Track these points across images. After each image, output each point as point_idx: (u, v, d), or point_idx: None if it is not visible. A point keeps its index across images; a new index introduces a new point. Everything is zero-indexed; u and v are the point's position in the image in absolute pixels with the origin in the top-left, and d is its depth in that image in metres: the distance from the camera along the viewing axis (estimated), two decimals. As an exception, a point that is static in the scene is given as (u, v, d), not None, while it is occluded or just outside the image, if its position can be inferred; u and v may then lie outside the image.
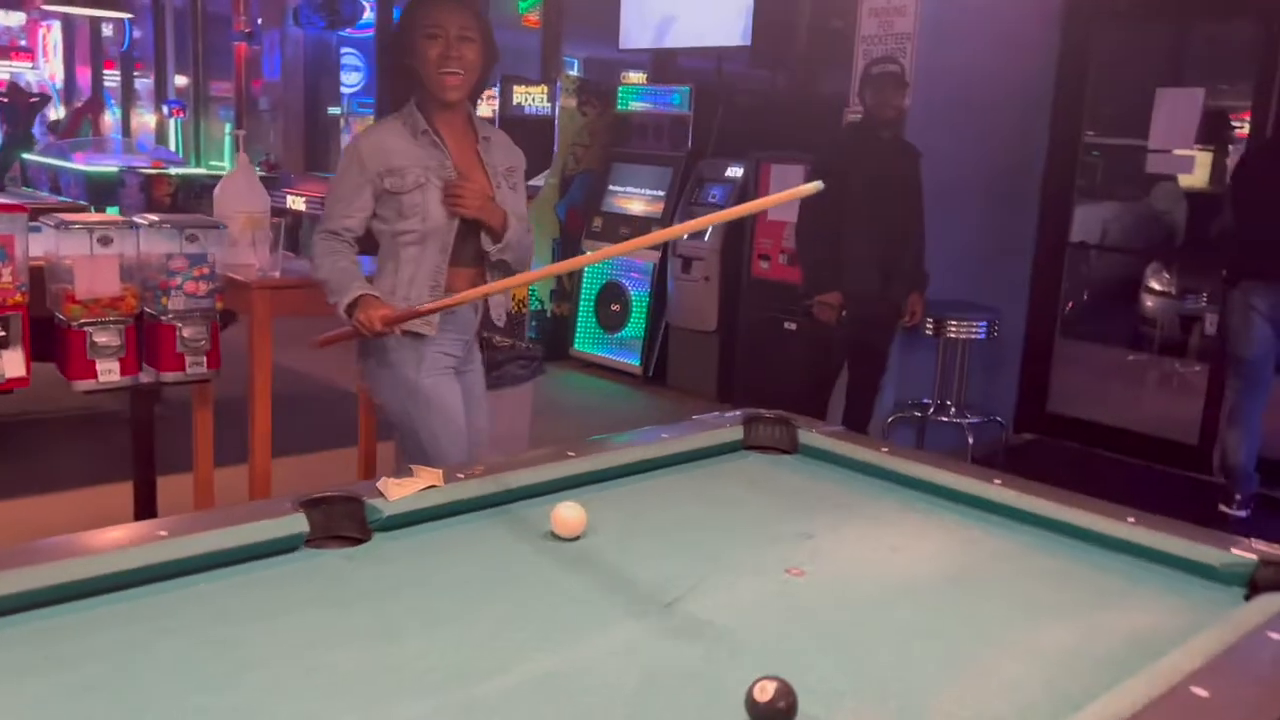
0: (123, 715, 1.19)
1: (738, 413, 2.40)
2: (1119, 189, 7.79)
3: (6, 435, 4.55)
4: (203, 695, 1.25)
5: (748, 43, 6.52)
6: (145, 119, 15.88)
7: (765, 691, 1.21)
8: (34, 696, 1.23)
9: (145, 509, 3.07)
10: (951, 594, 1.65)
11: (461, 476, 1.90)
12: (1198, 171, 5.88)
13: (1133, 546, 1.79)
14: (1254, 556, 1.68)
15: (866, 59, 4.73)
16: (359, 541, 1.71)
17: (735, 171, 6.17)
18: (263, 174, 9.20)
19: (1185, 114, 5.12)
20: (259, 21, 12.27)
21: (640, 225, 6.31)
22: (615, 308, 6.71)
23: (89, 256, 2.77)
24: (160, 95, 14.98)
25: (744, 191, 6.00)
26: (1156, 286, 8.14)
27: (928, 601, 1.62)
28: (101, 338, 2.81)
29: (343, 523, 1.72)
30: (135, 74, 16.15)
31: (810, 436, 2.32)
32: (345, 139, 12.16)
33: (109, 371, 2.84)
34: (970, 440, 4.95)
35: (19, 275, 2.67)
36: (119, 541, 1.53)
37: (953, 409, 5.10)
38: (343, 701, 1.25)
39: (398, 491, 1.78)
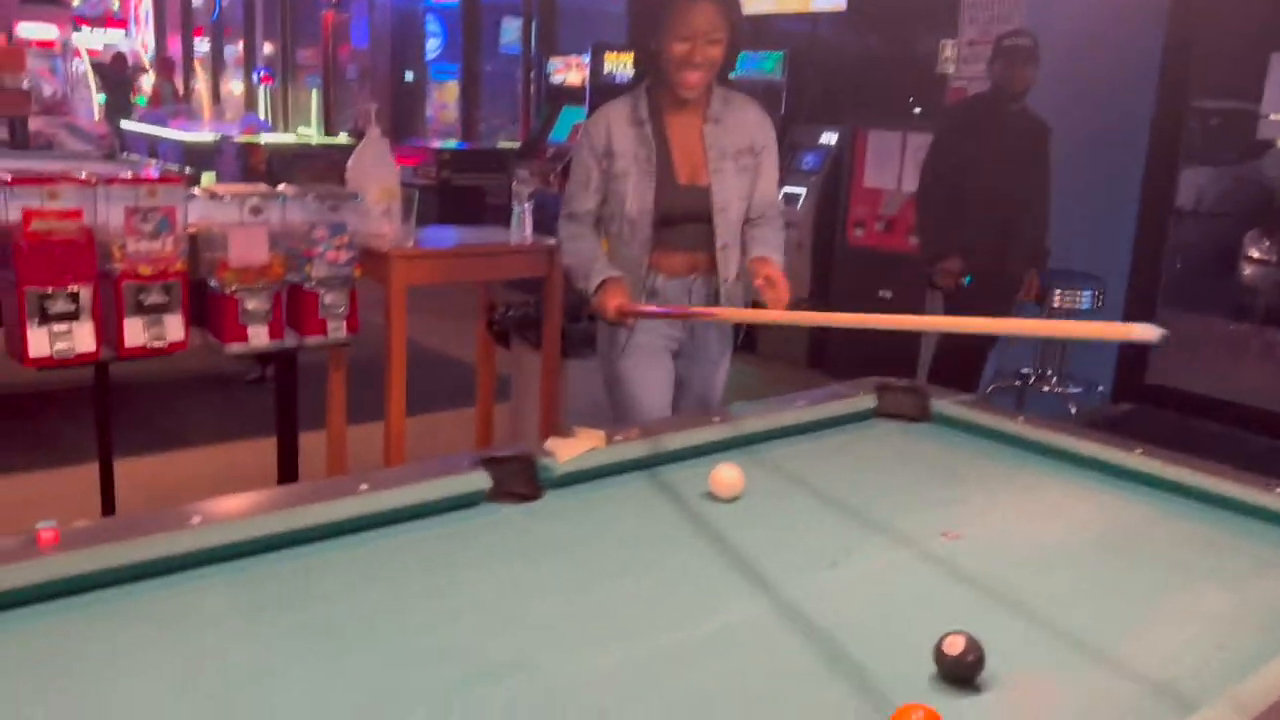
0: (359, 653, 1.32)
1: (869, 380, 2.47)
2: (1221, 154, 7.61)
3: (137, 395, 4.80)
4: (422, 637, 1.37)
5: (843, 6, 6.48)
6: (234, 86, 16.27)
7: (955, 645, 1.28)
8: (272, 632, 1.36)
9: (288, 464, 3.24)
10: (1106, 559, 1.71)
11: (620, 439, 2.00)
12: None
13: (1276, 515, 1.82)
14: None
15: (973, 24, 4.69)
16: (529, 498, 1.83)
17: (829, 138, 6.16)
18: (351, 142, 9.42)
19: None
20: (347, -10, 12.46)
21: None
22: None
23: (241, 225, 2.92)
24: (249, 63, 15.32)
25: (839, 158, 5.99)
26: (1256, 254, 7.95)
27: (1085, 566, 1.68)
28: (252, 303, 2.96)
29: (516, 480, 1.84)
30: (224, 40, 16.53)
31: (943, 405, 2.37)
32: (430, 106, 12.35)
33: (258, 335, 2.99)
34: (1072, 410, 4.94)
35: (179, 244, 2.83)
36: (325, 494, 1.66)
37: (1054, 378, 5.08)
38: (546, 646, 1.36)
39: (566, 451, 1.89)
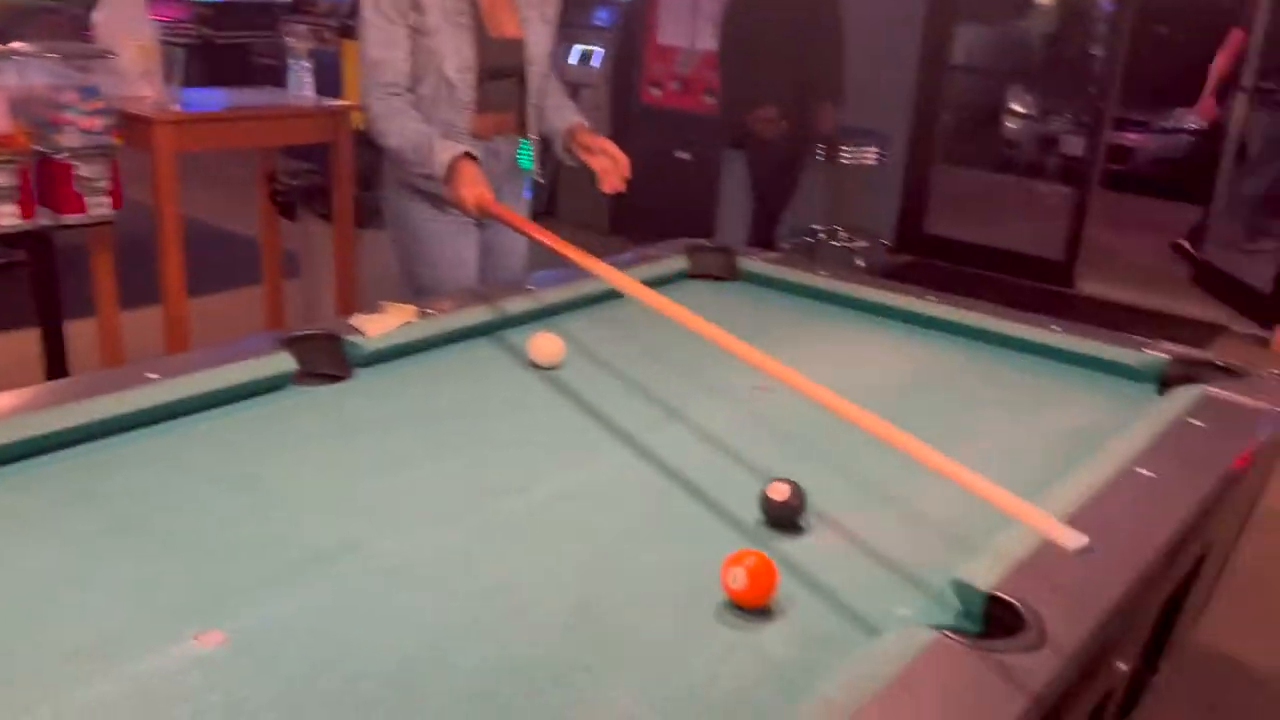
0: (174, 548, 1.22)
1: (680, 242, 2.47)
2: (991, 10, 7.94)
3: None
4: (241, 528, 1.28)
5: None
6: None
7: (780, 491, 1.33)
8: (78, 532, 1.25)
9: (55, 358, 2.95)
10: (908, 401, 1.80)
11: (431, 312, 1.92)
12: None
13: (1059, 351, 1.98)
14: (1165, 355, 1.89)
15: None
16: (339, 378, 1.73)
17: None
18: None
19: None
20: None
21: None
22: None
23: (-31, 90, 2.55)
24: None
25: (632, 14, 5.86)
26: (1019, 109, 8.45)
27: (888, 407, 1.76)
28: (-3, 179, 2.62)
29: (323, 360, 1.74)
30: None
31: (750, 263, 2.41)
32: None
33: (7, 215, 2.67)
34: (860, 263, 5.17)
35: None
36: (113, 385, 1.51)
37: (841, 233, 5.29)
38: (375, 527, 1.31)
39: (376, 327, 1.80)
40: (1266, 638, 2.62)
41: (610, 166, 2.39)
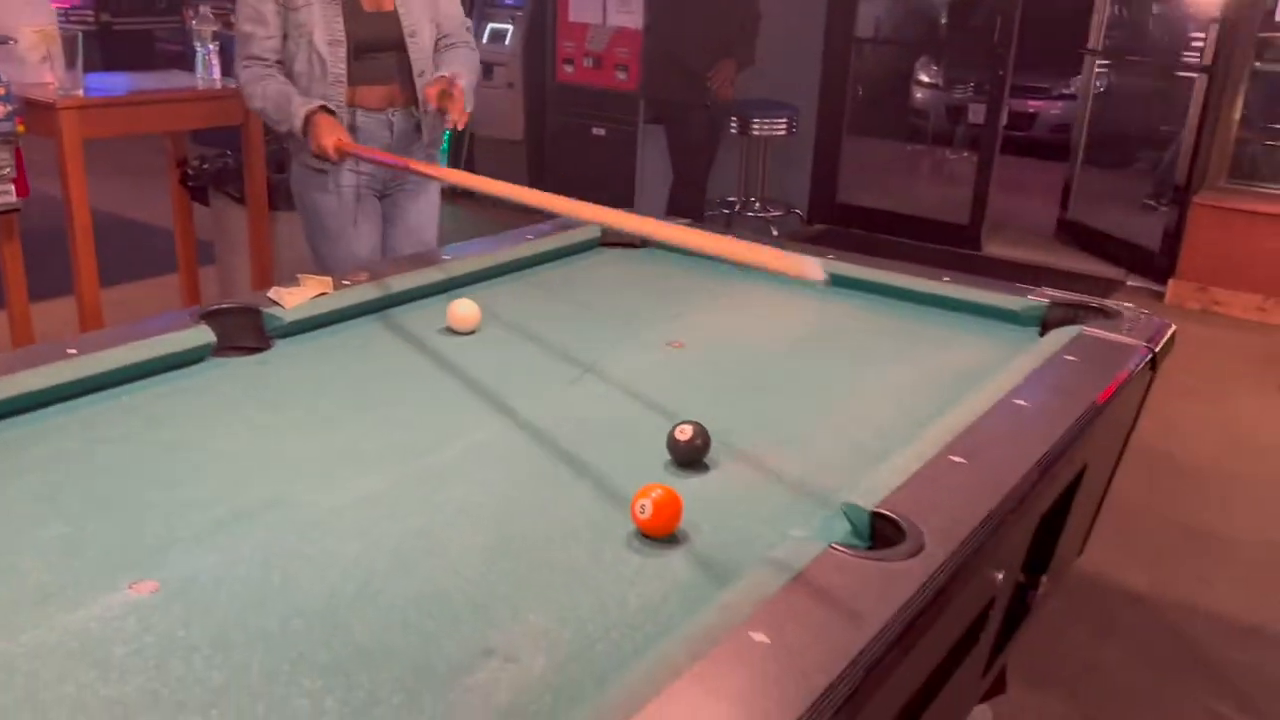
0: (100, 512, 1.27)
1: (590, 210, 2.54)
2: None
3: None
4: (165, 491, 1.33)
5: None
6: None
7: (685, 432, 1.42)
8: (2, 500, 1.28)
9: (-34, 350, 2.92)
10: (809, 352, 1.91)
11: (348, 283, 1.97)
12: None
13: (949, 300, 2.10)
14: (1046, 300, 2.02)
15: None
16: (259, 350, 1.77)
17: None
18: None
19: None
20: None
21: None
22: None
23: None
24: None
25: (542, -9, 5.88)
26: (925, 79, 8.67)
27: (791, 360, 1.87)
28: (-107, 169, 2.59)
29: (243, 332, 1.77)
30: None
31: (660, 228, 2.49)
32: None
33: (-93, 205, 2.63)
34: (774, 233, 5.30)
35: None
36: (30, 361, 1.53)
37: (756, 204, 5.42)
38: (298, 483, 1.36)
39: (293, 299, 1.84)
40: (1145, 562, 2.81)
41: (442, 99, 2.43)
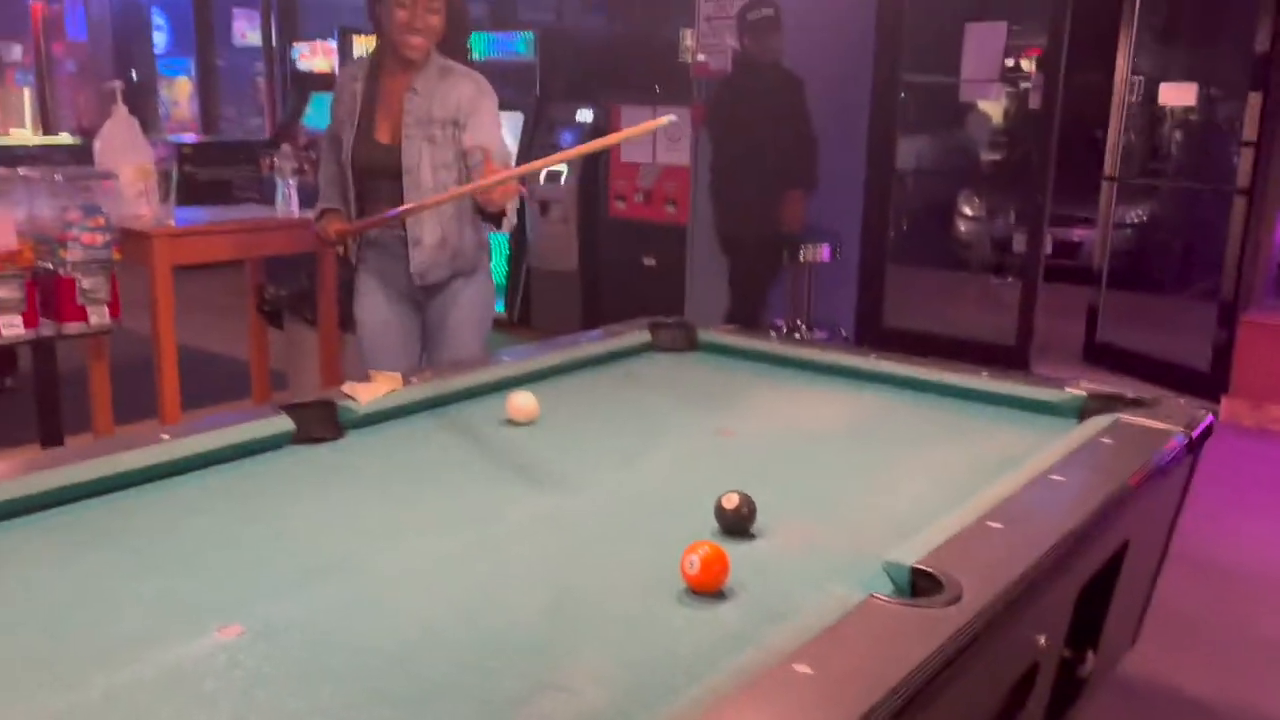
0: (187, 570, 1.37)
1: (641, 320, 2.68)
2: (931, 122, 8.46)
3: None
4: (249, 553, 1.43)
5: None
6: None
7: (731, 500, 1.49)
8: (103, 561, 1.39)
9: (54, 462, 3.09)
10: (855, 438, 1.99)
11: (414, 381, 2.10)
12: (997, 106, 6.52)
13: (989, 394, 2.17)
14: (1083, 393, 2.09)
15: (712, 5, 5.04)
16: (333, 439, 1.89)
17: (585, 115, 6.38)
18: (75, 141, 8.79)
19: (991, 45, 5.69)
20: (56, -21, 11.52)
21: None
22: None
23: (-20, 211, 2.77)
24: (-57, 60, 13.82)
25: (596, 134, 6.22)
26: (969, 212, 8.89)
27: (837, 445, 1.95)
28: (2, 292, 2.81)
29: (319, 424, 1.90)
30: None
31: (708, 334, 2.62)
32: (161, 102, 11.63)
33: (11, 325, 2.85)
34: (822, 354, 5.40)
35: (-86, 231, 2.65)
36: (128, 445, 1.67)
37: (803, 327, 5.54)
38: (370, 548, 1.46)
39: (366, 394, 1.97)
40: (1207, 670, 2.75)
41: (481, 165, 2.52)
